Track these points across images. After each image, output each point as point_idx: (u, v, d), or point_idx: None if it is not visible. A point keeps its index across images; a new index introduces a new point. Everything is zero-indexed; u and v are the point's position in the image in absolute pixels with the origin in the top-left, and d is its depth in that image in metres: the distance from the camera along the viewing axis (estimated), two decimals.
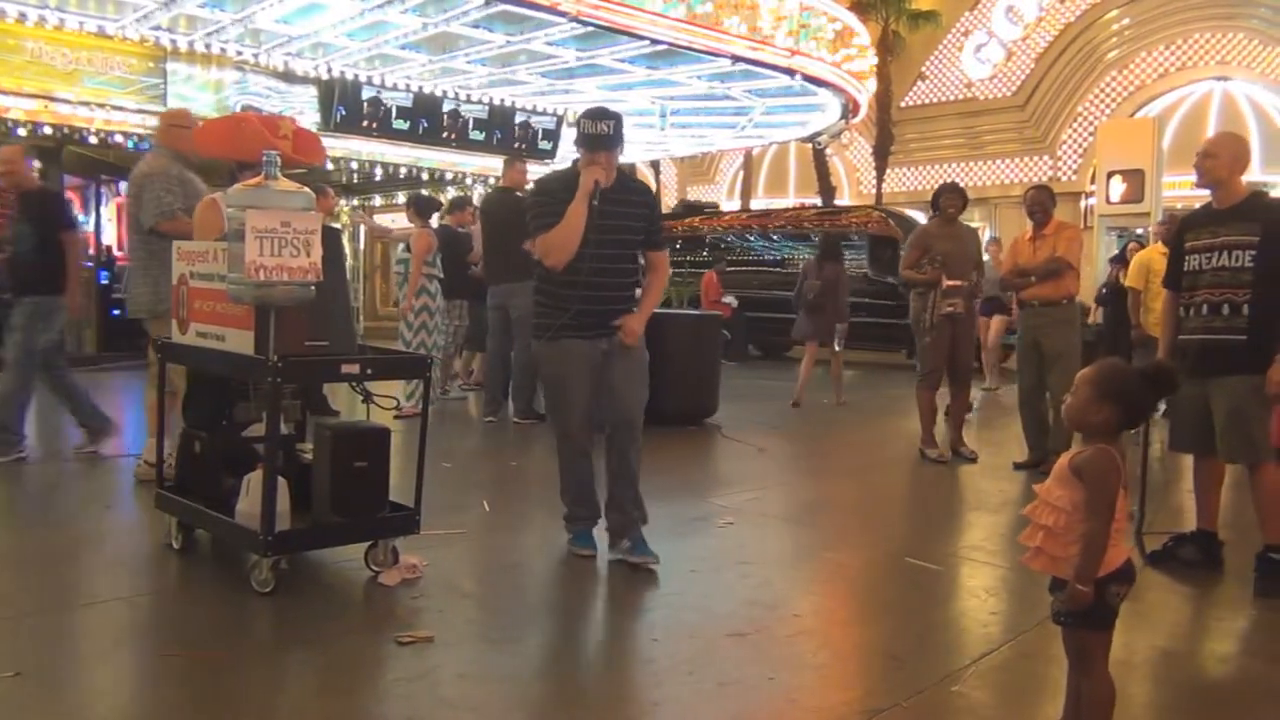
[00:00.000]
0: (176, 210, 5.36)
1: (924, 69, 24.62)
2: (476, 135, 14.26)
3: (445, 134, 13.86)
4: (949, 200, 7.13)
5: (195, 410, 4.52)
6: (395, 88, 13.30)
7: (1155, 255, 7.63)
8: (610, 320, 4.25)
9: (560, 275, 4.18)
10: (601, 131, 4.15)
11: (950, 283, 6.85)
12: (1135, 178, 11.60)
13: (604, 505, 4.40)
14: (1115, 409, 2.44)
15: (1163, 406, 5.39)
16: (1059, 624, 2.50)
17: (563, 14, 10.05)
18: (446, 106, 13.91)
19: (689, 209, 19.05)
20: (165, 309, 5.36)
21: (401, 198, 17.68)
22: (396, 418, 5.92)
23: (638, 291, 4.49)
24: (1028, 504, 2.54)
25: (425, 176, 14.79)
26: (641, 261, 4.49)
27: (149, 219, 5.41)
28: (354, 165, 14.05)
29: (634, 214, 4.30)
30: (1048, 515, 2.45)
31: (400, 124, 13.40)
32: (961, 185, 7.59)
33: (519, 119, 14.70)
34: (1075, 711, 2.54)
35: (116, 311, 13.37)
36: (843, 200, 24.33)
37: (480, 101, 14.15)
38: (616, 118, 4.20)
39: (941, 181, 9.74)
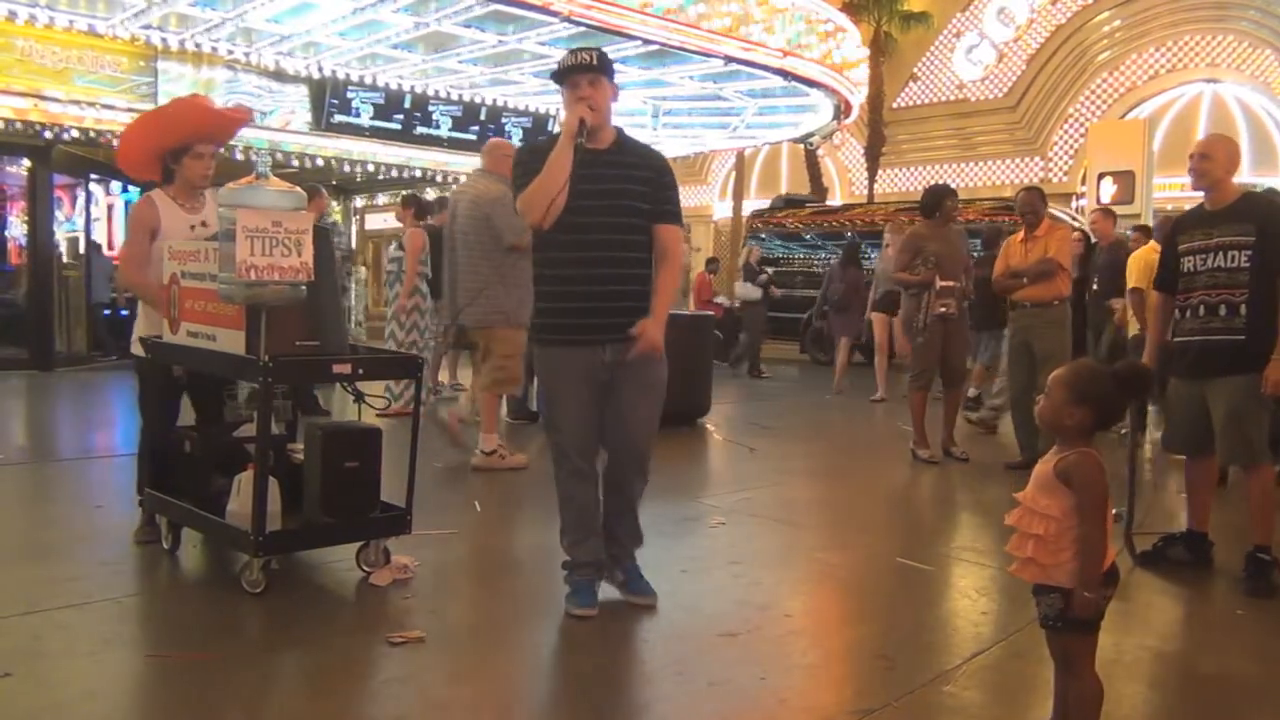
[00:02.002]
0: (520, 230, 5.82)
1: (916, 70, 24.68)
2: (458, 135, 14.27)
3: (418, 130, 13.85)
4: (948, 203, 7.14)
5: (147, 411, 4.49)
6: (387, 86, 13.30)
7: (1154, 256, 7.54)
8: (614, 318, 3.56)
9: (549, 256, 3.64)
10: (581, 60, 3.55)
11: (943, 283, 6.87)
12: (1126, 179, 11.64)
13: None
14: (1089, 411, 2.44)
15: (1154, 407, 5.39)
16: (1046, 628, 2.50)
17: (555, 14, 10.06)
18: (437, 105, 13.92)
19: (789, 203, 18.24)
20: (494, 320, 6.04)
21: (383, 199, 17.70)
22: (380, 415, 5.91)
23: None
24: (1010, 512, 2.54)
25: (418, 175, 14.77)
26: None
27: (511, 237, 5.91)
28: (346, 166, 14.02)
29: (637, 178, 3.60)
30: (1037, 524, 2.44)
31: (380, 123, 13.41)
32: (952, 186, 7.61)
33: (503, 119, 14.70)
34: (1063, 713, 2.54)
35: (108, 311, 13.35)
36: (834, 202, 24.35)
37: (459, 100, 14.14)
38: (600, 51, 3.62)
39: (933, 182, 9.76)
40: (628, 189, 3.58)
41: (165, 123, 4.51)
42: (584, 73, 3.54)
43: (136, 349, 4.42)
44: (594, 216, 3.53)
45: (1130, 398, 2.53)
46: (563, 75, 3.59)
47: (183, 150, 4.35)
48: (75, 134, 11.28)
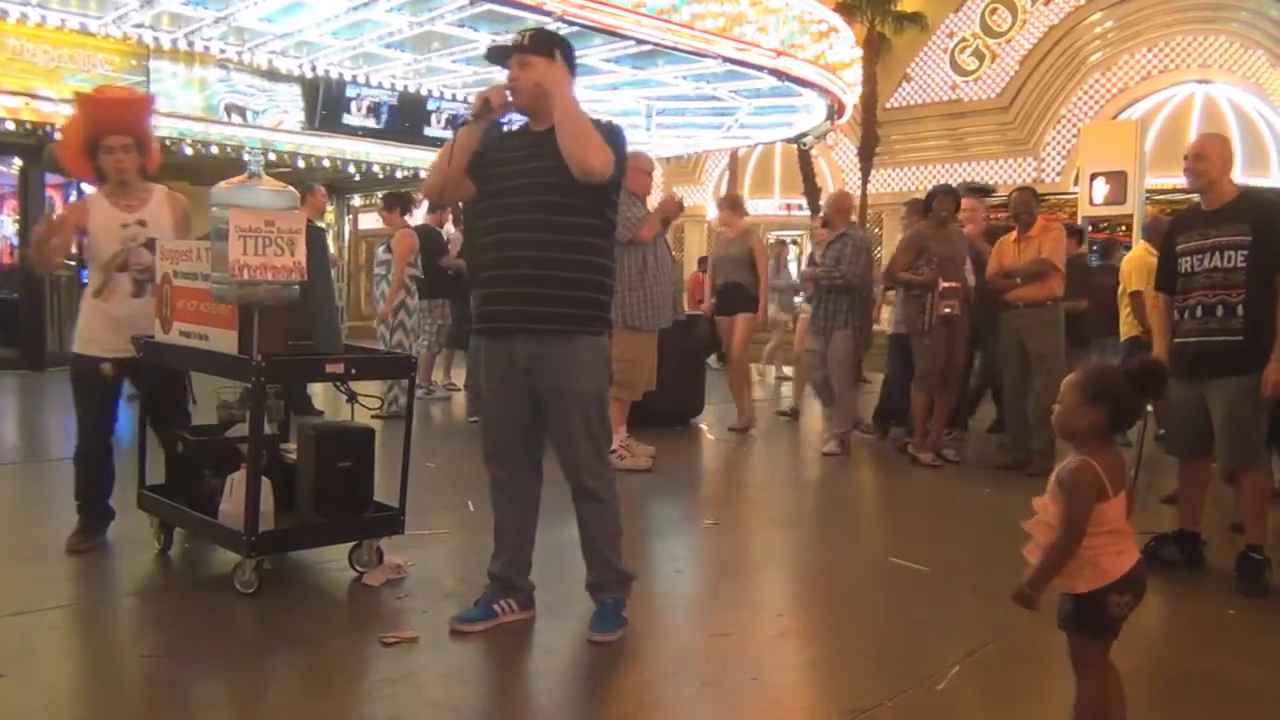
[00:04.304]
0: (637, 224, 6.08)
1: (909, 70, 24.73)
2: (452, 134, 14.24)
3: (412, 129, 13.80)
4: (942, 203, 7.12)
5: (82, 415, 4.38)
6: (380, 86, 13.29)
7: (1149, 257, 7.48)
8: (524, 305, 3.27)
9: (481, 243, 3.45)
10: (513, 42, 3.32)
11: (946, 284, 6.84)
12: (1118, 179, 11.63)
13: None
14: (1102, 411, 2.42)
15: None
16: (1062, 629, 2.49)
17: (548, 13, 10.05)
18: (431, 105, 13.92)
19: (970, 191, 17.05)
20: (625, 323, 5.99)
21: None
22: (375, 417, 5.89)
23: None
24: (1028, 518, 2.52)
25: (411, 175, 14.74)
26: (589, 242, 3.33)
27: (625, 234, 5.91)
28: (337, 163, 14.00)
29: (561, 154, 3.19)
30: (1046, 534, 2.43)
31: (370, 122, 13.38)
32: (954, 187, 7.59)
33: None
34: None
35: None
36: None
37: (452, 99, 14.13)
38: (537, 30, 3.40)
39: (926, 183, 9.72)
40: (552, 166, 3.23)
41: (76, 121, 4.42)
42: (513, 54, 3.31)
43: (77, 345, 4.32)
44: (511, 198, 3.29)
45: (1145, 395, 2.52)
46: (495, 60, 3.40)
47: (97, 145, 4.26)
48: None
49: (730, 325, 8.20)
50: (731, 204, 8.68)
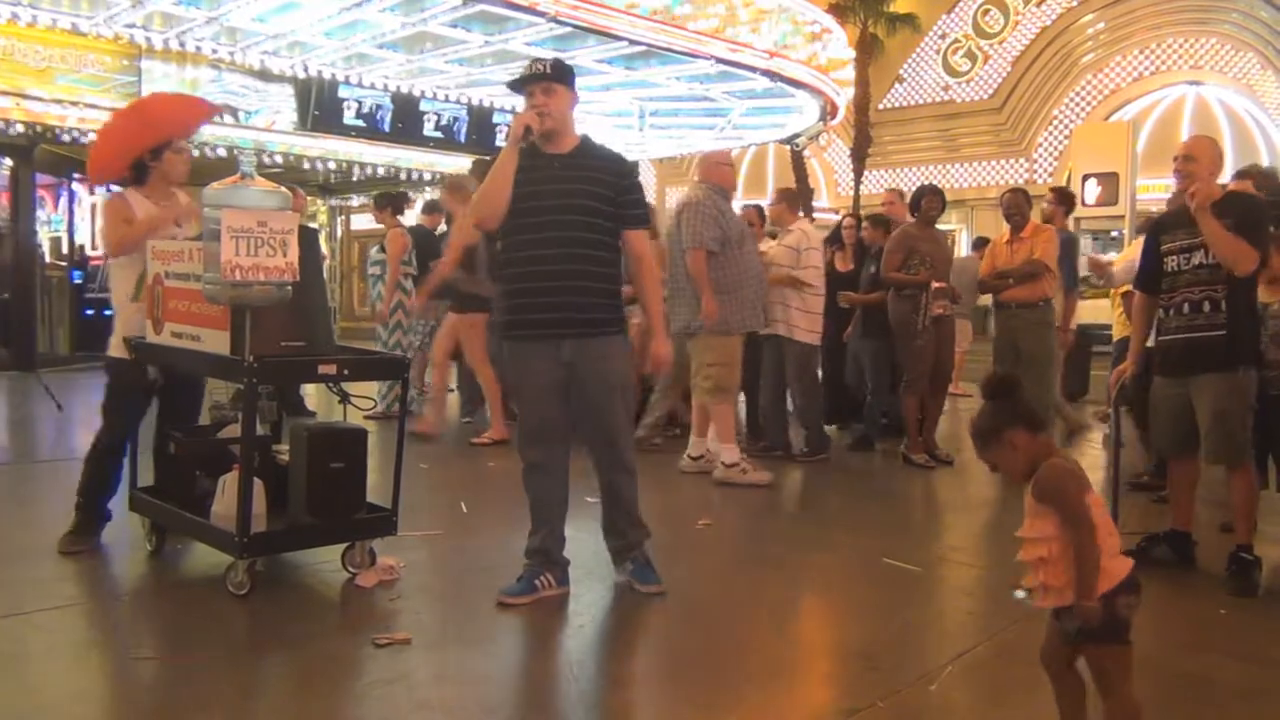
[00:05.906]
0: (706, 240, 5.98)
1: (902, 72, 24.78)
2: (446, 135, 14.24)
3: (405, 130, 13.77)
4: (930, 203, 7.12)
5: (114, 415, 4.37)
6: (373, 87, 13.26)
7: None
8: (570, 313, 3.68)
9: (509, 256, 3.77)
10: (536, 70, 3.69)
11: (937, 284, 6.83)
12: (1110, 180, 11.66)
13: (602, 529, 4.04)
14: (1016, 431, 2.47)
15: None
16: (1075, 644, 2.46)
17: (541, 14, 10.04)
18: (424, 106, 13.89)
19: (1240, 175, 15.27)
20: (695, 327, 6.05)
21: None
22: (368, 417, 5.89)
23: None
24: (1024, 518, 2.52)
25: (404, 177, 14.71)
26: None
27: (686, 242, 6.05)
28: (330, 165, 13.95)
29: (595, 180, 3.71)
30: (1039, 549, 2.43)
31: (366, 123, 13.35)
32: (939, 187, 7.58)
33: (492, 119, 14.67)
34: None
35: (90, 311, 13.27)
36: (820, 202, 24.37)
37: (446, 100, 14.10)
38: (556, 60, 3.79)
39: (919, 183, 9.70)
40: (583, 189, 3.69)
41: (151, 119, 4.39)
42: (538, 81, 3.68)
43: (117, 350, 4.32)
44: (549, 216, 3.65)
45: (1017, 394, 2.54)
46: (519, 85, 3.73)
47: (165, 146, 4.27)
48: (59, 133, 11.19)
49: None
50: (455, 185, 7.84)
